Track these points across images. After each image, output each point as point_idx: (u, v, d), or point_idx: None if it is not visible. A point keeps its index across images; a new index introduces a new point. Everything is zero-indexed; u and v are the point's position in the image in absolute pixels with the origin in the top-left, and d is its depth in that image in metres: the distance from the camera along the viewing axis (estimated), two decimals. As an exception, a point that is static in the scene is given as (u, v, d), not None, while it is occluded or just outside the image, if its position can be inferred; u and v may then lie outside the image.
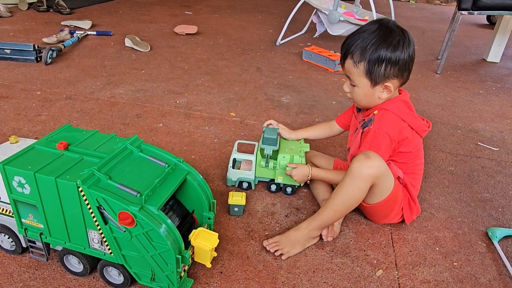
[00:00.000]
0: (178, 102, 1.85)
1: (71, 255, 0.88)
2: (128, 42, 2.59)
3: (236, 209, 1.12)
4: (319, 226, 1.02)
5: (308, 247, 1.04)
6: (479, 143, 1.68)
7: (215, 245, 0.85)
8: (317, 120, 1.78)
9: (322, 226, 1.03)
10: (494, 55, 2.92)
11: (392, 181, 1.00)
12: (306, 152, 1.31)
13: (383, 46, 0.95)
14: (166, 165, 0.87)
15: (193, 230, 0.86)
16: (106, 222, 0.79)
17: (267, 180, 1.25)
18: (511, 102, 2.18)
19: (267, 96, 2.00)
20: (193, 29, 2.98)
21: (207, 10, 3.94)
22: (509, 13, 2.32)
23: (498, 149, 1.65)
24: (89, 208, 0.77)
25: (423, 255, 1.05)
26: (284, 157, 1.18)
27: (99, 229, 0.79)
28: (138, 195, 0.77)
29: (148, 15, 3.54)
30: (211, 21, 3.49)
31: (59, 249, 0.89)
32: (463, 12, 2.35)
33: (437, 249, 1.07)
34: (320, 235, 1.05)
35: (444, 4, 5.78)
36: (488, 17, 4.37)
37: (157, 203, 0.78)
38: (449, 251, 1.07)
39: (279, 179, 1.21)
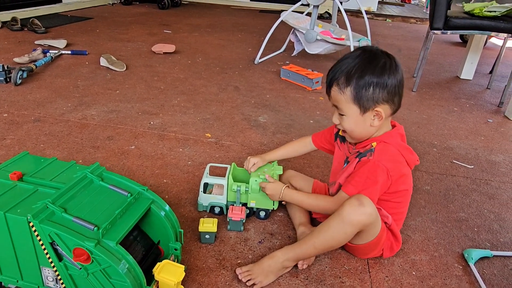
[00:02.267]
0: (152, 123, 1.81)
1: (25, 294, 0.81)
2: (103, 62, 2.55)
3: (207, 236, 1.08)
4: (296, 258, 0.99)
5: (281, 275, 1.00)
6: (454, 161, 1.69)
7: (181, 279, 0.81)
8: (294, 139, 1.76)
9: (299, 258, 0.99)
10: (467, 72, 3.00)
11: (380, 226, 0.97)
12: (284, 172, 1.28)
13: (368, 69, 0.92)
14: (129, 195, 0.82)
15: (158, 263, 0.81)
16: (60, 259, 0.73)
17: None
18: (484, 119, 2.22)
19: (244, 115, 1.98)
20: (171, 48, 2.96)
21: (187, 29, 3.94)
22: (479, 32, 2.39)
23: (472, 166, 1.66)
24: (42, 244, 0.72)
25: (400, 280, 1.02)
26: (256, 180, 1.15)
27: (53, 266, 0.74)
28: (95, 229, 0.72)
29: (126, 34, 3.51)
30: (190, 40, 3.49)
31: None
32: (435, 31, 2.41)
33: (414, 273, 1.05)
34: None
35: (419, 22, 5.97)
36: (461, 36, 4.52)
37: (116, 237, 0.73)
38: (426, 275, 1.05)
39: (252, 203, 1.18)
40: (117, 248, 0.72)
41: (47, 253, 0.72)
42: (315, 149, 1.25)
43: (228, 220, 1.12)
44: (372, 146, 0.98)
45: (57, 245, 0.71)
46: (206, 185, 1.19)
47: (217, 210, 1.21)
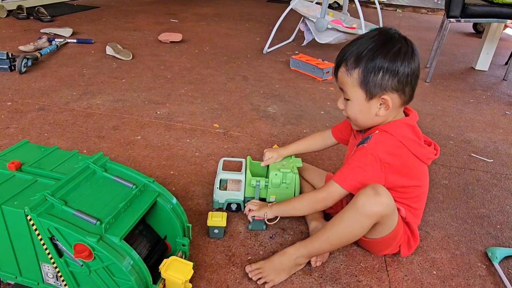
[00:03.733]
0: (158, 113, 1.76)
1: (24, 291, 0.77)
2: (109, 50, 2.49)
3: (216, 231, 1.02)
4: (309, 254, 0.93)
5: (294, 273, 0.95)
6: (472, 154, 1.62)
7: (189, 277, 0.76)
8: (304, 131, 1.70)
9: (312, 255, 0.94)
10: (483, 63, 2.90)
11: (396, 219, 0.91)
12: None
13: (381, 52, 0.84)
14: (134, 186, 0.77)
15: (164, 260, 0.76)
16: (61, 255, 0.68)
17: None
18: (502, 111, 2.14)
19: (253, 106, 1.92)
20: (177, 37, 2.90)
21: (193, 18, 3.87)
22: (496, 20, 2.30)
23: (492, 160, 1.59)
24: (41, 239, 0.67)
25: (420, 280, 0.96)
26: (276, 174, 1.09)
27: (53, 263, 0.69)
28: (98, 223, 0.67)
29: (132, 23, 3.45)
30: (197, 29, 3.41)
31: (11, 284, 0.78)
32: (451, 20, 2.32)
33: (434, 272, 0.99)
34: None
35: (430, 13, 5.82)
36: (475, 26, 4.38)
37: (120, 232, 0.68)
38: (447, 274, 0.99)
39: (271, 198, 1.12)
40: (121, 244, 0.67)
41: (46, 249, 0.68)
42: (336, 143, 1.18)
43: (251, 219, 1.04)
44: (372, 134, 0.91)
45: (57, 240, 0.66)
46: (221, 181, 1.13)
47: (234, 207, 1.14)
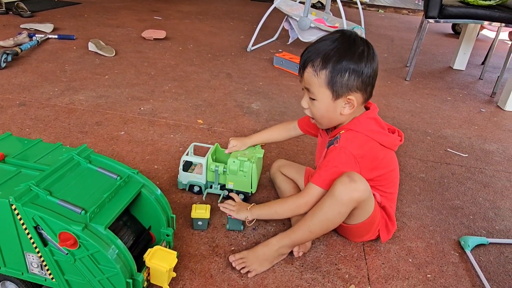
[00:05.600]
0: (142, 109, 1.76)
1: (8, 282, 0.77)
2: (91, 47, 2.47)
3: (200, 223, 1.04)
4: (291, 244, 0.96)
5: (276, 262, 0.98)
6: (448, 149, 1.68)
7: (173, 265, 0.77)
8: (290, 121, 1.73)
9: (294, 244, 0.97)
10: (460, 63, 3.00)
11: (373, 204, 0.95)
12: (275, 161, 1.27)
13: (347, 54, 0.89)
14: (118, 178, 0.78)
15: (149, 249, 0.78)
16: (45, 244, 0.69)
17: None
18: (477, 108, 2.22)
19: (237, 102, 1.94)
20: (161, 33, 2.89)
21: (177, 16, 3.86)
22: (472, 21, 2.38)
23: (467, 155, 1.65)
24: (25, 229, 0.68)
25: (396, 267, 1.01)
26: (234, 161, 1.13)
27: (38, 252, 0.70)
28: (83, 212, 0.68)
29: (115, 20, 3.42)
30: (181, 27, 3.41)
31: (-5, 275, 0.78)
32: (430, 20, 2.39)
33: (410, 260, 1.03)
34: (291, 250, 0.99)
35: (411, 14, 5.95)
36: (453, 27, 4.52)
37: (105, 221, 0.69)
38: (422, 262, 1.03)
39: (230, 185, 1.16)
40: (106, 232, 0.68)
41: (31, 238, 0.68)
42: (302, 134, 1.22)
43: (228, 219, 1.06)
44: (340, 134, 0.95)
45: (42, 229, 0.67)
46: (187, 163, 1.17)
47: (196, 189, 1.19)
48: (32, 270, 0.73)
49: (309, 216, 0.93)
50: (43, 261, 0.71)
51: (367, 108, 1.00)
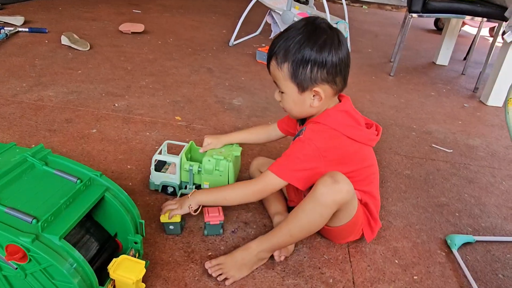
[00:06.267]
0: (116, 105, 1.67)
1: (-46, 299, 0.69)
2: (64, 40, 2.35)
3: (171, 227, 0.97)
4: (271, 248, 0.90)
5: (256, 268, 0.91)
6: (433, 145, 1.65)
7: (141, 276, 0.70)
8: (270, 123, 1.67)
9: (275, 248, 0.91)
10: (443, 58, 2.99)
11: (356, 204, 0.90)
12: (254, 159, 1.20)
13: (307, 45, 0.83)
14: (78, 181, 0.71)
15: (114, 259, 0.70)
16: (-8, 258, 0.61)
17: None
18: (461, 103, 2.21)
19: (218, 98, 1.87)
20: (139, 27, 2.78)
21: (158, 9, 3.74)
22: (455, 16, 2.37)
23: (451, 150, 1.63)
24: (-33, 241, 0.59)
25: (382, 269, 0.96)
26: (209, 160, 1.06)
27: (-16, 267, 0.62)
28: (34, 221, 0.60)
29: (92, 13, 3.28)
30: (161, 20, 3.30)
31: None
32: (413, 14, 2.36)
33: (396, 261, 0.99)
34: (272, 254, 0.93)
35: (394, 10, 5.96)
36: (436, 23, 4.53)
37: (60, 231, 0.61)
38: (409, 263, 0.99)
39: (205, 185, 1.09)
40: (61, 243, 0.61)
41: (-26, 251, 0.60)
42: (283, 136, 1.16)
43: (205, 224, 0.98)
44: (306, 126, 0.91)
45: (-14, 241, 0.59)
46: (160, 163, 1.10)
47: (170, 190, 1.11)
48: (-21, 286, 0.65)
49: (290, 218, 0.88)
50: (-10, 276, 0.63)
51: (340, 101, 0.95)
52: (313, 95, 0.89)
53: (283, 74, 0.87)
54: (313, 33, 0.84)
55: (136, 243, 0.78)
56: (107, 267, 0.70)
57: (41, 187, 0.68)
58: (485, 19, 2.45)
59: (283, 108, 0.96)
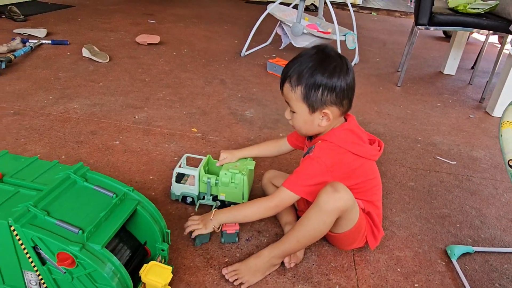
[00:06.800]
0: (137, 117, 1.78)
1: (6, 298, 0.79)
2: (85, 52, 2.48)
3: (204, 240, 1.08)
4: (281, 254, 0.99)
5: (269, 273, 1.00)
6: (437, 157, 1.72)
7: (168, 280, 0.80)
8: (281, 135, 1.76)
9: (285, 254, 1.00)
10: (450, 68, 3.05)
11: (358, 212, 0.99)
12: (266, 172, 1.29)
13: (319, 71, 0.93)
14: (114, 195, 0.80)
15: (144, 265, 0.80)
16: (44, 263, 0.71)
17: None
18: (466, 114, 2.27)
19: (231, 110, 1.96)
20: (155, 39, 2.90)
21: (171, 19, 3.87)
22: (462, 28, 2.43)
23: (455, 162, 1.69)
24: (24, 249, 0.70)
25: (385, 277, 1.04)
26: (225, 174, 1.16)
27: (36, 271, 0.72)
28: (80, 232, 0.70)
29: (108, 24, 3.42)
30: (175, 31, 3.42)
31: (-7, 291, 0.80)
32: (420, 27, 2.43)
33: (399, 270, 1.07)
34: (282, 261, 1.02)
35: (403, 16, 6.01)
36: (444, 30, 4.57)
37: (102, 240, 0.71)
38: (410, 271, 1.07)
39: (222, 196, 1.19)
40: (103, 251, 0.70)
41: (29, 257, 0.70)
42: (292, 149, 1.26)
43: (222, 233, 1.08)
44: (315, 144, 1.01)
45: (40, 249, 0.69)
46: (180, 175, 1.21)
47: (189, 200, 1.22)
48: (31, 287, 0.75)
49: (297, 226, 0.97)
50: (41, 279, 0.73)
51: (346, 120, 1.05)
52: (322, 116, 0.98)
53: (296, 95, 0.97)
54: (325, 60, 0.94)
55: (163, 250, 0.87)
56: (139, 272, 0.79)
57: (83, 201, 0.78)
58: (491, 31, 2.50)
59: (293, 126, 1.06)
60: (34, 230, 0.68)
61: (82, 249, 0.68)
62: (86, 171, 0.85)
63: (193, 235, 1.05)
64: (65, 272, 0.70)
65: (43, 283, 0.73)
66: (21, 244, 0.69)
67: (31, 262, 0.71)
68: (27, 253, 0.70)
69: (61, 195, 0.77)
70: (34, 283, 0.75)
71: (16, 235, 0.68)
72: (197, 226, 1.05)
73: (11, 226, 0.68)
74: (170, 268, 0.81)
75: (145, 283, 0.79)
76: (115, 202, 0.79)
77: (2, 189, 0.76)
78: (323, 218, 0.93)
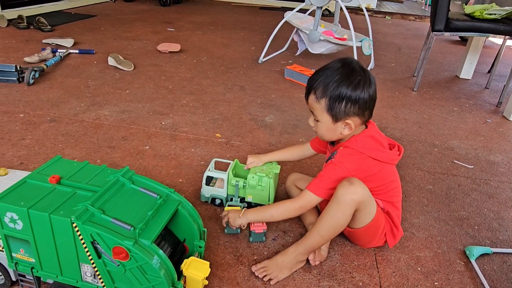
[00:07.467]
0: (163, 123, 1.87)
1: (62, 288, 0.88)
2: (111, 61, 2.60)
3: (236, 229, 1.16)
4: (306, 250, 1.06)
5: (296, 271, 1.07)
6: (455, 161, 1.77)
7: (207, 274, 0.87)
8: (300, 139, 1.83)
9: (309, 250, 1.07)
10: (466, 72, 3.07)
11: (375, 207, 1.05)
12: (289, 175, 1.36)
13: (344, 84, 1.00)
14: (158, 197, 0.89)
15: (185, 260, 0.88)
16: (99, 256, 0.80)
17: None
18: (483, 119, 2.30)
19: (251, 116, 2.04)
20: (176, 47, 3.01)
21: (189, 27, 3.98)
22: (478, 34, 2.46)
23: (473, 166, 1.73)
24: (83, 243, 0.78)
25: (406, 275, 1.10)
26: (253, 177, 1.24)
27: (93, 263, 0.80)
28: (132, 229, 0.78)
29: (130, 32, 3.55)
30: (194, 38, 3.53)
31: (50, 282, 0.89)
32: (436, 33, 2.47)
33: (419, 269, 1.12)
34: (307, 259, 1.09)
35: (418, 20, 6.02)
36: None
37: (151, 237, 0.79)
38: (430, 270, 1.12)
39: (249, 198, 1.27)
40: (152, 246, 0.78)
41: (87, 251, 0.79)
42: (315, 154, 1.33)
43: (250, 233, 1.16)
44: (337, 150, 1.08)
45: (98, 243, 0.77)
46: (209, 178, 1.29)
47: (217, 201, 1.30)
48: (86, 278, 0.84)
49: (318, 221, 1.05)
50: (96, 271, 0.81)
51: (367, 127, 1.11)
52: (344, 125, 1.05)
53: (321, 106, 1.04)
54: (350, 74, 1.01)
55: (200, 247, 0.95)
56: (180, 266, 0.87)
57: (132, 201, 0.86)
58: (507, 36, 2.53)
59: (316, 132, 1.13)
60: (93, 226, 0.76)
61: (135, 244, 0.76)
62: (132, 175, 0.93)
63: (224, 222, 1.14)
64: (118, 265, 0.78)
65: (98, 275, 0.82)
66: (81, 239, 0.77)
67: (89, 255, 0.79)
68: (85, 247, 0.78)
69: (113, 196, 0.86)
70: (90, 275, 0.83)
71: (77, 231, 0.77)
72: (225, 218, 1.14)
73: (73, 223, 0.76)
74: (208, 263, 0.89)
75: (186, 276, 0.87)
76: (160, 202, 0.87)
77: (61, 190, 0.85)
78: (342, 210, 1.00)
